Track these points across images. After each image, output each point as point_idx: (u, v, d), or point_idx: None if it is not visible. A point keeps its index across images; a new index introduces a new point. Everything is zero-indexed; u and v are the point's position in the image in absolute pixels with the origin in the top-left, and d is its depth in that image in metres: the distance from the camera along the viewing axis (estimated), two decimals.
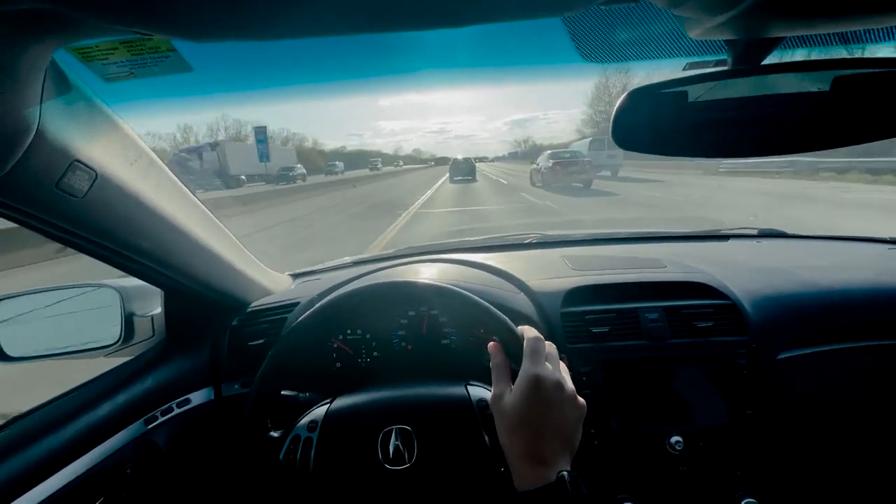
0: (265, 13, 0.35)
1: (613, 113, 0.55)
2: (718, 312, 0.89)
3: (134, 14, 0.31)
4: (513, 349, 0.60)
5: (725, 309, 0.90)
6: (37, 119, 0.43)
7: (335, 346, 0.96)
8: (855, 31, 0.55)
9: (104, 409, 0.72)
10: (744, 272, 1.03)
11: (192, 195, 0.77)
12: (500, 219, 8.67)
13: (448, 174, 27.16)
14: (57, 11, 0.32)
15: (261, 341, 0.93)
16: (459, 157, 27.25)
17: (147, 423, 0.79)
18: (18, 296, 0.89)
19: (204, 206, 0.81)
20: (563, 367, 0.58)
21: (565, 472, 0.48)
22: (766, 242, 1.32)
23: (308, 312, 0.70)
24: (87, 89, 0.50)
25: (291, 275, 1.23)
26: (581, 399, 0.56)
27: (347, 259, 1.33)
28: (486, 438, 0.64)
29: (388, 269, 1.11)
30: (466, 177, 24.39)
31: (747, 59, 0.50)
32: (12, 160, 0.43)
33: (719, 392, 0.85)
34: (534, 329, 0.60)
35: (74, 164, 0.49)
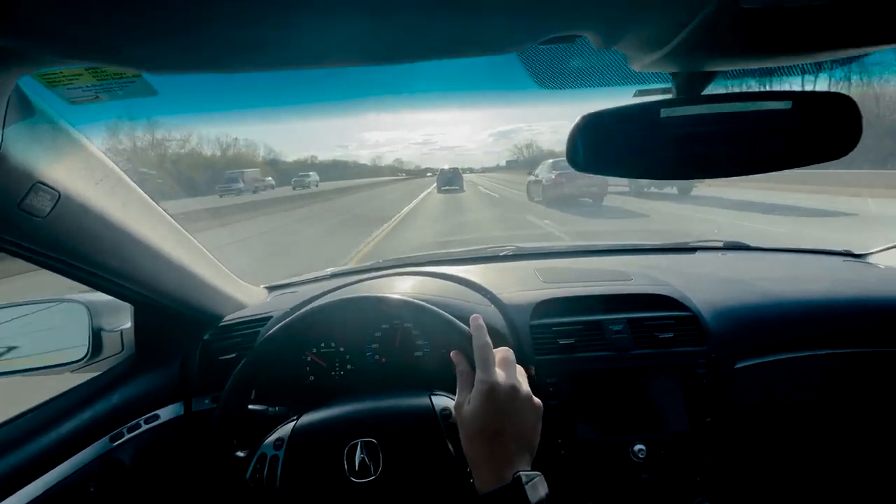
0: (221, 48, 0.36)
1: (569, 136, 0.58)
2: (679, 324, 0.93)
3: (91, 51, 0.33)
4: (472, 357, 0.63)
5: (686, 320, 0.94)
6: None
7: (309, 359, 0.97)
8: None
9: (68, 426, 0.71)
10: (706, 284, 1.07)
11: (162, 211, 0.78)
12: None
13: (435, 186, 27.63)
14: (18, 46, 0.34)
15: (232, 355, 0.93)
16: (446, 167, 28.43)
17: (112, 440, 0.78)
18: None
19: (175, 221, 0.82)
20: (519, 370, 0.60)
21: (522, 473, 0.50)
22: (730, 255, 1.37)
23: (276, 327, 0.71)
24: (52, 112, 0.51)
25: (267, 287, 1.23)
26: (537, 400, 0.58)
27: (326, 271, 1.34)
28: (450, 446, 0.65)
29: (365, 282, 1.12)
30: (453, 186, 25.15)
31: (689, 89, 0.54)
32: None
33: (681, 401, 0.88)
34: (483, 335, 0.62)
35: (37, 185, 0.50)
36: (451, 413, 0.68)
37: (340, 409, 0.71)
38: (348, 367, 0.98)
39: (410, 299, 0.72)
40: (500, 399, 0.55)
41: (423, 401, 0.70)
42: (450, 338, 0.68)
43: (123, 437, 0.80)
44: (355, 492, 0.65)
